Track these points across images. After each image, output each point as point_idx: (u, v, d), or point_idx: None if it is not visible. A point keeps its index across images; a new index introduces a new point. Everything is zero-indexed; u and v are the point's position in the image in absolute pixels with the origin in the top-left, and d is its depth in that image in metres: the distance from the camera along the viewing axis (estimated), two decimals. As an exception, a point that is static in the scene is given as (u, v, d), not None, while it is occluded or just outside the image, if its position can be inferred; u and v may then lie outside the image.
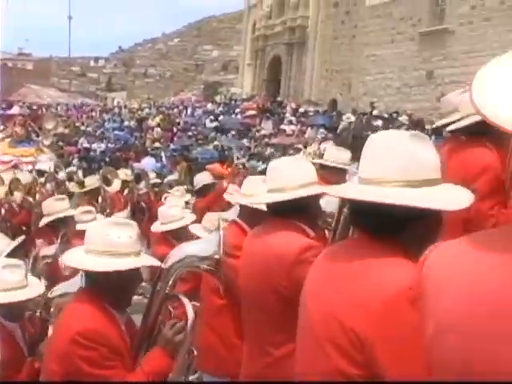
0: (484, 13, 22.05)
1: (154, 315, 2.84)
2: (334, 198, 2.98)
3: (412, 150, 1.75)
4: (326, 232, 3.51)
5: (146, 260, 2.96)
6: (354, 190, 1.85)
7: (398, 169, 1.74)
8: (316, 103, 29.75)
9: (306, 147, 19.67)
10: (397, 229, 1.76)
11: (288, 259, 2.71)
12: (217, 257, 2.91)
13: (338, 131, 22.16)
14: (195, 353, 3.08)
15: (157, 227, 5.72)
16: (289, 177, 2.92)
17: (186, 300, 2.86)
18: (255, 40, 39.29)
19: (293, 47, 34.21)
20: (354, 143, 18.62)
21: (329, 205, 3.30)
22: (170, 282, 2.83)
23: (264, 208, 3.17)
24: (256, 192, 3.46)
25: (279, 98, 33.57)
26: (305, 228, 2.89)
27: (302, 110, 28.44)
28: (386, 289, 1.60)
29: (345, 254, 1.87)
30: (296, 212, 2.87)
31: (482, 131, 3.33)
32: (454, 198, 1.76)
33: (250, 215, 3.62)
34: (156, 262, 2.98)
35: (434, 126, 7.57)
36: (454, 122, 3.73)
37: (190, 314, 2.83)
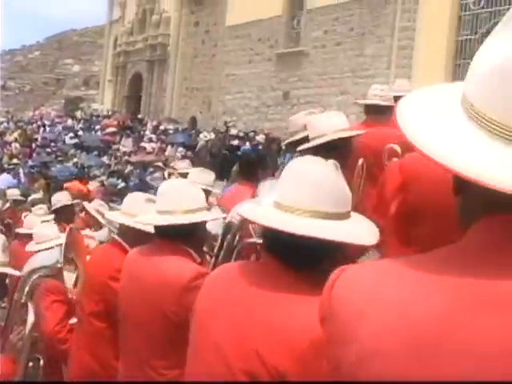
0: (336, 37, 23.09)
1: (12, 324, 2.96)
2: (218, 221, 3.10)
3: (335, 183, 1.75)
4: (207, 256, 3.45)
5: (9, 269, 3.02)
6: (274, 217, 1.74)
7: (322, 200, 1.72)
8: (176, 121, 29.84)
9: (165, 165, 19.83)
10: (315, 261, 1.71)
11: (179, 286, 2.68)
12: (59, 265, 3.04)
13: (196, 149, 22.49)
14: (41, 362, 3.11)
15: (31, 247, 5.76)
16: (180, 200, 2.89)
17: (30, 308, 2.99)
18: (116, 56, 38.87)
19: (154, 64, 34.25)
20: (212, 161, 19.04)
21: (214, 227, 3.34)
22: (26, 290, 2.96)
23: (146, 228, 3.18)
24: (140, 211, 3.37)
25: (140, 116, 33.45)
26: (191, 252, 2.89)
27: (162, 127, 28.51)
28: (313, 329, 1.44)
29: (255, 279, 1.76)
30: (184, 236, 2.87)
31: (327, 151, 3.70)
32: (368, 232, 1.78)
33: (132, 235, 3.46)
34: (16, 272, 3.09)
35: (283, 144, 8.04)
36: (300, 141, 4.07)
37: (30, 320, 2.91)
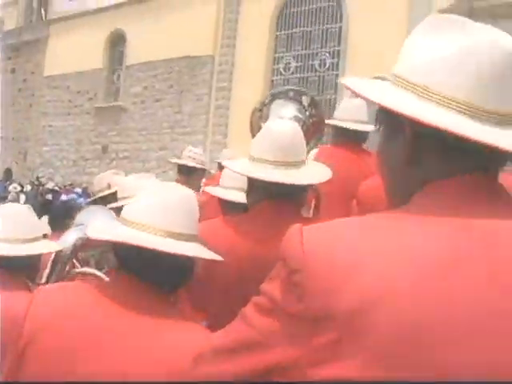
0: (155, 93, 23.43)
1: None
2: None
3: (189, 206, 1.75)
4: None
5: None
6: (136, 235, 1.66)
7: (190, 224, 1.72)
8: (-11, 172, 28.80)
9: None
10: (179, 280, 1.72)
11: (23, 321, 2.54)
12: None
13: (6, 202, 21.69)
14: None
15: None
16: (21, 227, 2.74)
17: None
18: None
19: (-33, 111, 32.86)
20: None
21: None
22: None
23: None
24: None
25: (-51, 166, 31.82)
26: (29, 283, 2.70)
27: (-27, 178, 27.32)
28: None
29: (119, 303, 1.62)
30: (23, 266, 2.71)
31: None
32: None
33: None
34: None
35: (88, 200, 8.11)
36: (107, 199, 4.36)
37: None
